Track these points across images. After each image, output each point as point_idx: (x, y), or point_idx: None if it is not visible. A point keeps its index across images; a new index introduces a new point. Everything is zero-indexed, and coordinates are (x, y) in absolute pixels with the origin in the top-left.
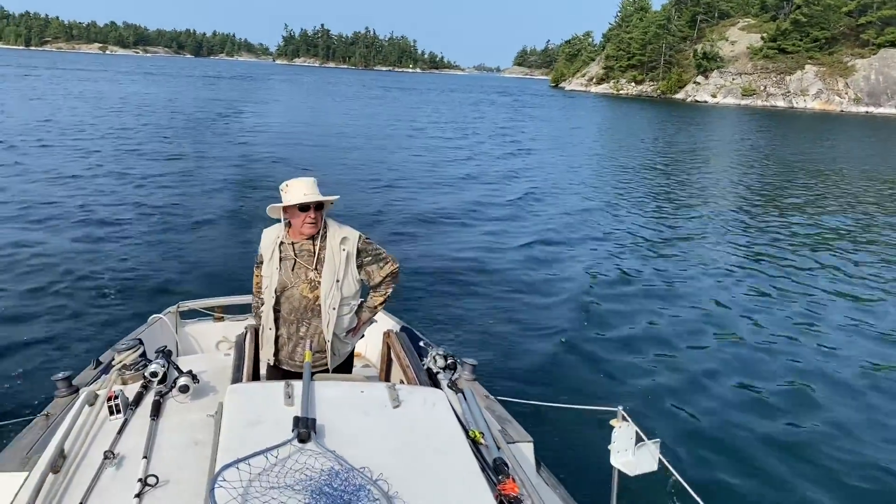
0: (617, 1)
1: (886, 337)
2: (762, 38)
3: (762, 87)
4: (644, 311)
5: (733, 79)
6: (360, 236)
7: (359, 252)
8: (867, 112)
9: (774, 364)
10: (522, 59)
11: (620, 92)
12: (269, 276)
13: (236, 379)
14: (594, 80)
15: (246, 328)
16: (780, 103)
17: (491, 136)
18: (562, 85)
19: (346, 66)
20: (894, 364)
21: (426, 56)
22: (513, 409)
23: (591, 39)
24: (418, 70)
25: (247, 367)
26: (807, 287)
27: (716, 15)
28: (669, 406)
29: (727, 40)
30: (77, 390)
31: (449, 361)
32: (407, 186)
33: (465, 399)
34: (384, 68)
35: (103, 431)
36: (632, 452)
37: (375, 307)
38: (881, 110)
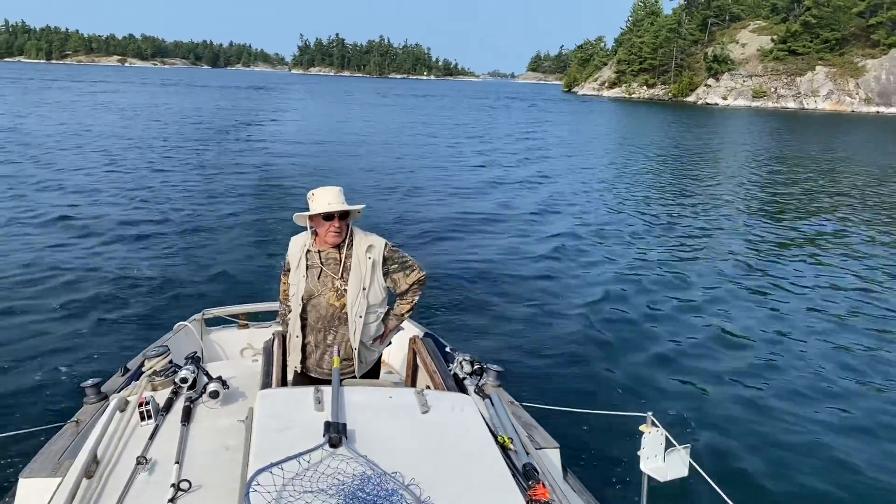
0: (628, 6)
1: None
2: (772, 40)
3: (773, 89)
4: (668, 315)
5: (744, 81)
6: (385, 244)
7: (385, 260)
8: (878, 112)
9: (805, 367)
10: (536, 65)
11: (633, 95)
12: (296, 283)
13: (266, 384)
14: (606, 84)
15: (273, 334)
16: (791, 105)
17: (507, 142)
18: (574, 90)
19: (360, 75)
20: None
21: (440, 63)
22: (538, 415)
23: (603, 44)
24: (432, 77)
25: (276, 373)
26: (831, 289)
27: (727, 18)
28: (699, 411)
29: (738, 43)
30: (106, 397)
31: (475, 367)
32: (425, 193)
33: (493, 405)
34: (399, 76)
35: (135, 437)
36: (662, 458)
37: (402, 315)
38: (892, 110)
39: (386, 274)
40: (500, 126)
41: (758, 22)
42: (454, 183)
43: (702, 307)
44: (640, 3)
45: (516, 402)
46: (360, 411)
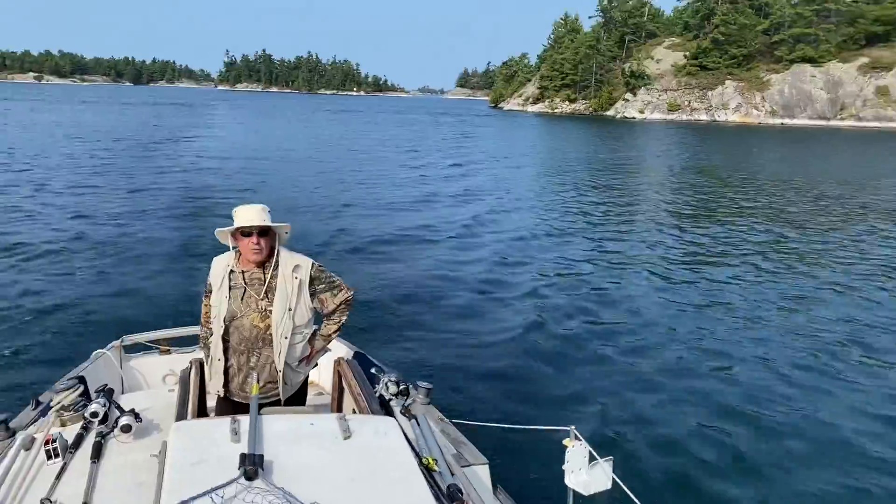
0: (551, 23)
1: (836, 346)
2: (685, 56)
3: (686, 103)
4: (594, 328)
5: (659, 95)
6: (312, 264)
7: (312, 280)
8: (782, 123)
9: (726, 378)
10: (465, 81)
11: (555, 110)
12: (218, 304)
13: (181, 416)
14: (530, 99)
15: (191, 362)
16: (703, 117)
17: (438, 157)
18: (501, 105)
19: (289, 91)
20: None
21: (370, 79)
22: (469, 431)
23: (526, 61)
24: (362, 93)
25: (192, 403)
26: (751, 296)
27: (643, 35)
28: (622, 423)
29: (653, 59)
30: (14, 433)
31: (401, 387)
32: (357, 210)
33: (419, 425)
34: (328, 92)
35: (41, 477)
36: (585, 472)
37: (329, 335)
38: (795, 121)
39: (313, 294)
40: (431, 141)
41: (672, 39)
42: (386, 199)
43: (625, 320)
44: (561, 21)
45: (446, 420)
46: (279, 440)
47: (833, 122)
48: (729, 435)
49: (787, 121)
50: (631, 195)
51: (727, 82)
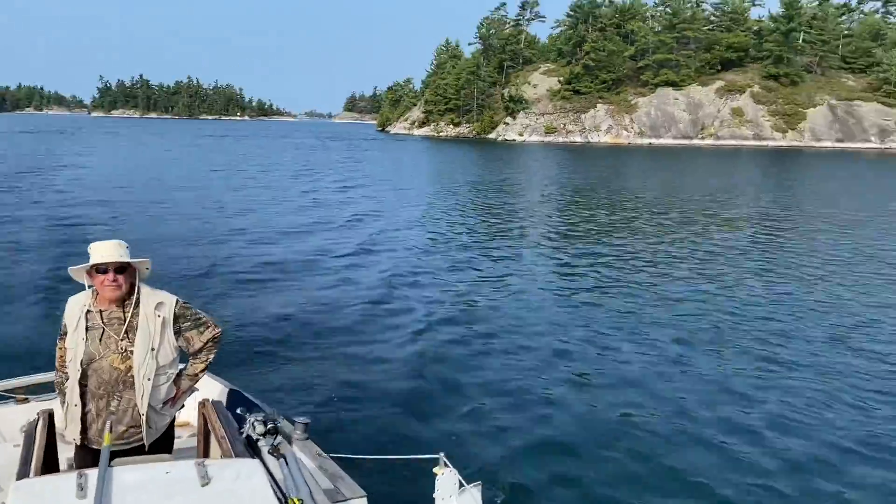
0: (433, 48)
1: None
2: (559, 81)
3: (562, 125)
4: (475, 350)
5: (537, 118)
6: (176, 301)
7: (176, 318)
8: (650, 143)
9: (596, 398)
10: (352, 105)
11: (440, 134)
12: (74, 347)
13: (22, 474)
14: (416, 123)
15: (38, 414)
16: (578, 139)
17: (326, 181)
18: (388, 129)
19: (169, 117)
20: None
21: (254, 104)
22: (349, 464)
23: (411, 85)
24: (247, 118)
25: (36, 459)
26: (623, 316)
27: (520, 61)
28: (494, 447)
29: (530, 84)
30: None
31: (269, 426)
32: (241, 238)
33: (287, 464)
34: (210, 117)
35: None
36: (455, 498)
37: (196, 374)
38: (661, 141)
39: (178, 333)
40: (319, 165)
41: (547, 65)
42: (271, 226)
43: (504, 342)
44: (443, 47)
45: (325, 455)
46: (130, 493)
47: (695, 141)
48: (599, 460)
49: (654, 141)
50: (512, 215)
51: (599, 105)
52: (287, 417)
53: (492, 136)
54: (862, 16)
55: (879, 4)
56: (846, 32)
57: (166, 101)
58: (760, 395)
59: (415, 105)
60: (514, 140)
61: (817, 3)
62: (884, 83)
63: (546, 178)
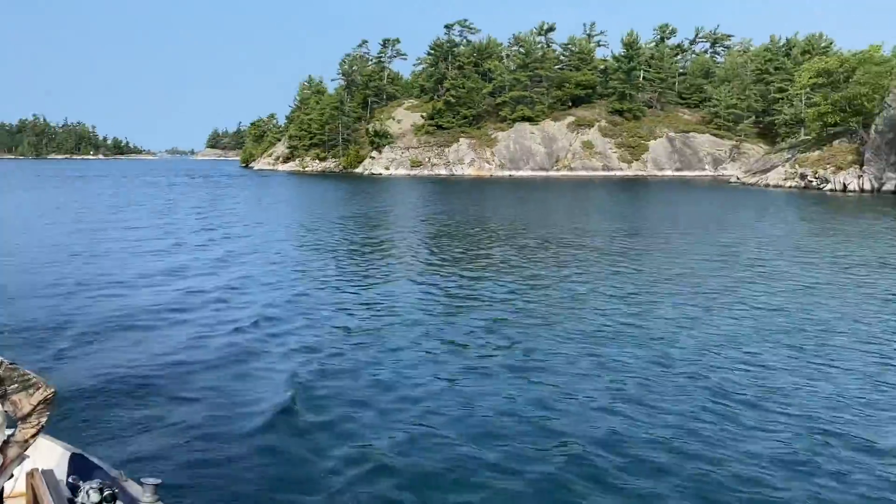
0: (296, 84)
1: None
2: (422, 116)
3: (427, 159)
4: (342, 399)
5: (402, 152)
6: (1, 363)
7: (1, 381)
8: (510, 175)
9: (462, 431)
10: (215, 141)
11: (306, 169)
12: None
13: None
14: (280, 158)
15: None
16: (443, 172)
17: (187, 222)
18: (251, 165)
19: (12, 157)
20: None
21: (109, 142)
22: None
23: (275, 121)
24: (101, 156)
25: None
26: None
27: (384, 97)
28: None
29: (394, 119)
30: None
31: (106, 493)
32: (88, 287)
33: None
34: (60, 156)
35: None
36: None
37: (26, 441)
38: (520, 173)
39: (3, 396)
40: (180, 205)
41: (411, 100)
42: (123, 272)
43: (374, 388)
44: (306, 83)
45: None
46: None
47: (551, 173)
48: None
49: (514, 172)
50: (379, 248)
51: (461, 140)
52: (135, 479)
53: (358, 170)
54: (694, 55)
55: (708, 45)
56: (681, 71)
57: (9, 141)
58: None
59: (279, 140)
60: (380, 174)
61: (654, 44)
62: (714, 116)
63: (414, 209)
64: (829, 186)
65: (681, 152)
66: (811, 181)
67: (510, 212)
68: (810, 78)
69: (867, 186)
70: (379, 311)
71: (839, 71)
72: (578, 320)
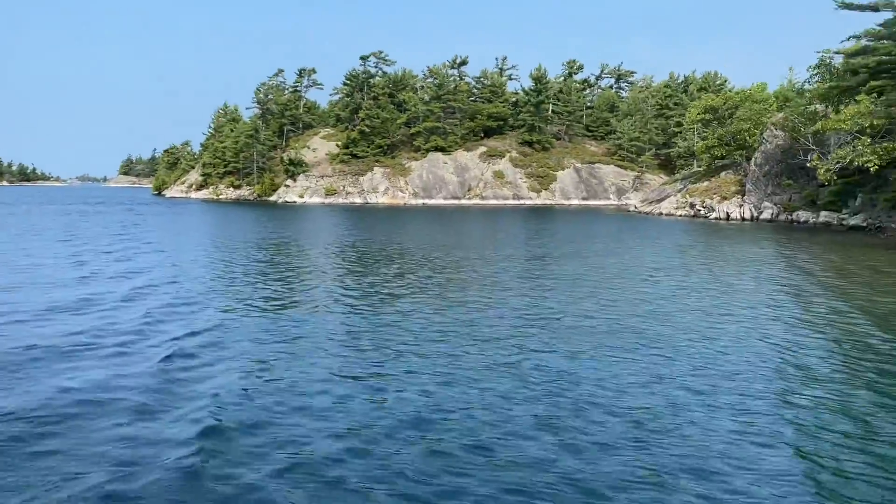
0: (211, 111)
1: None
2: (337, 145)
3: (342, 187)
4: (258, 439)
5: (317, 181)
6: None
7: None
8: (424, 203)
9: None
10: (128, 168)
11: (220, 196)
12: None
13: None
14: (194, 186)
15: None
16: (358, 200)
17: (96, 251)
18: (164, 192)
19: None
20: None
21: (15, 168)
22: None
23: (189, 148)
24: (5, 183)
25: None
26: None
27: (301, 125)
28: None
29: (309, 148)
30: None
31: None
32: None
33: None
34: None
35: None
36: None
37: None
38: (433, 201)
39: None
40: (89, 234)
41: (327, 129)
42: (28, 306)
43: (297, 426)
44: (221, 111)
45: None
46: None
47: (463, 201)
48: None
49: (427, 201)
50: (300, 274)
51: (376, 168)
52: None
53: (272, 198)
54: (600, 90)
55: (613, 81)
56: (588, 105)
57: None
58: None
59: (193, 168)
60: (294, 202)
61: (563, 78)
62: (619, 148)
63: (329, 236)
64: (714, 214)
65: (587, 182)
66: (699, 210)
67: (425, 238)
68: (698, 114)
69: (747, 215)
70: (295, 339)
71: (724, 108)
72: (476, 339)
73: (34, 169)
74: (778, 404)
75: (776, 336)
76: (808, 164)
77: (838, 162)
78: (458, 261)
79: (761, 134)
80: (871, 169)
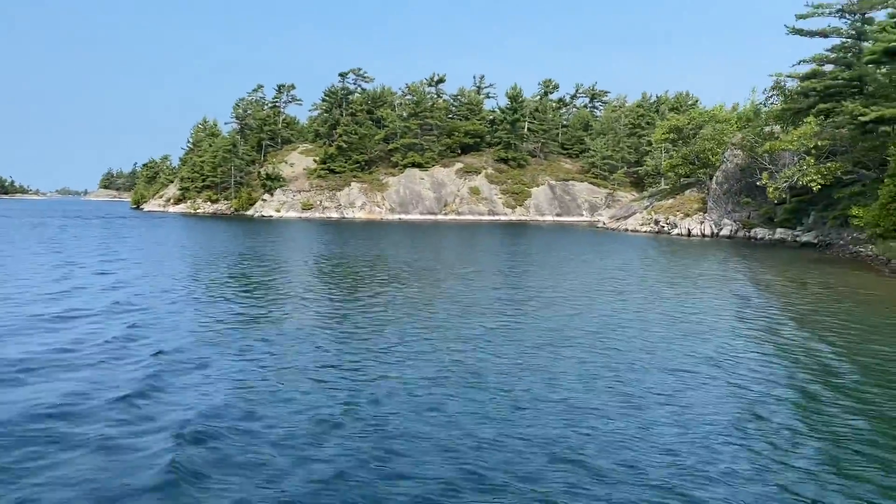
0: (190, 126)
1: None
2: (315, 160)
3: (319, 202)
4: (231, 461)
5: (294, 195)
6: None
7: None
8: (400, 218)
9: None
10: (109, 182)
11: (198, 210)
12: None
13: None
14: (172, 200)
15: None
16: (334, 214)
17: (77, 264)
18: (142, 206)
19: None
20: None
21: None
22: None
23: (169, 162)
24: None
25: None
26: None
27: (279, 141)
28: None
29: (287, 163)
30: None
31: None
32: None
33: None
34: None
35: None
36: None
37: None
38: (409, 216)
39: None
40: (70, 247)
41: (305, 144)
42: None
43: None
44: (200, 126)
45: None
46: None
47: (439, 216)
48: None
49: (403, 216)
50: (274, 289)
51: (353, 184)
52: None
53: (250, 212)
54: (575, 109)
55: (588, 100)
56: (563, 123)
57: None
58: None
59: (171, 182)
60: (270, 216)
61: (539, 97)
62: (592, 166)
63: (308, 249)
64: (676, 231)
65: (560, 199)
66: (663, 226)
67: (403, 252)
68: (663, 133)
69: (707, 231)
70: (270, 356)
71: (689, 127)
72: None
73: (12, 182)
74: (729, 405)
75: (729, 342)
76: (757, 184)
77: (786, 181)
78: (434, 281)
79: (723, 153)
80: (814, 188)
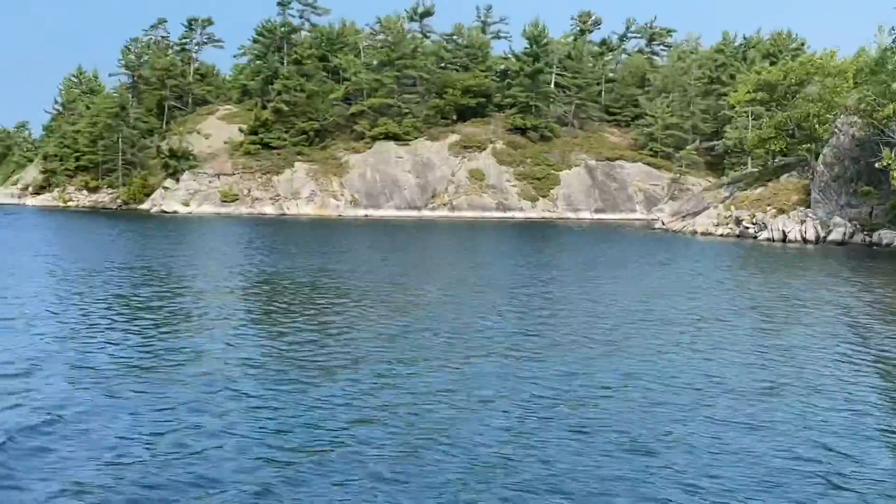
0: (58, 80)
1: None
2: (241, 129)
3: (246, 191)
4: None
5: (210, 181)
6: None
7: None
8: (366, 215)
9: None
10: None
11: (69, 204)
12: None
13: None
14: (31, 188)
15: None
16: (269, 210)
17: None
18: None
19: None
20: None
21: None
22: None
23: (28, 133)
24: None
25: None
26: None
27: (189, 101)
28: None
29: (201, 133)
30: None
31: None
32: None
33: None
34: None
35: None
36: None
37: None
38: (380, 212)
39: None
40: None
41: (228, 107)
42: None
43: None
44: (74, 78)
45: None
46: None
47: (425, 212)
48: None
49: (371, 212)
50: (192, 298)
51: (297, 165)
52: None
53: (145, 205)
54: (625, 56)
55: (644, 43)
56: (609, 76)
57: None
58: None
59: (30, 162)
60: (176, 212)
61: (572, 38)
62: (650, 139)
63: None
64: (764, 234)
65: (603, 187)
66: (746, 227)
67: (360, 274)
68: (748, 92)
69: (811, 234)
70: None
71: (785, 84)
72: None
73: None
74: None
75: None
76: (876, 165)
77: None
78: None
79: (834, 121)
80: None
